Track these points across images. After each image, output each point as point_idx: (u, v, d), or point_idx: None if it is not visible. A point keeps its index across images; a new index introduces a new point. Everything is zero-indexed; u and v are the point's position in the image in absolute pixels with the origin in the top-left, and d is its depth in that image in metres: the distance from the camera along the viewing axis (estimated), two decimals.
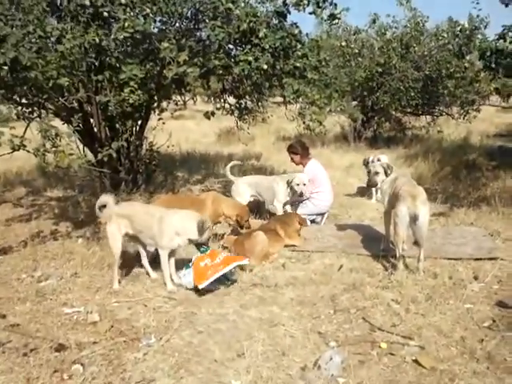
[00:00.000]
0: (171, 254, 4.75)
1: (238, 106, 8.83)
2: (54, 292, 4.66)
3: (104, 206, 4.84)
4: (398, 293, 4.54)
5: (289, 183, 6.59)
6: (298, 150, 7.12)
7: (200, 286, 4.48)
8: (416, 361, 3.44)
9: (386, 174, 5.39)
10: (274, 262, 5.41)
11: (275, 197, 6.75)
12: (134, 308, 4.36)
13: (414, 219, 4.76)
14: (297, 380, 3.28)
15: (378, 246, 5.67)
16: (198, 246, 4.78)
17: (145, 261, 5.05)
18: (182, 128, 17.13)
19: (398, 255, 4.98)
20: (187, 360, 3.53)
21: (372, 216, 7.34)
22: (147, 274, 5.05)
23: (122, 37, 5.33)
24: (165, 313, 4.25)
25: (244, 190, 6.98)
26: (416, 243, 4.96)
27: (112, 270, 4.86)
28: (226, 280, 4.73)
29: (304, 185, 6.54)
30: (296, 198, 6.79)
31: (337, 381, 3.25)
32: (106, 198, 4.84)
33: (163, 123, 7.87)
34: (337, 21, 6.59)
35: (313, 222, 6.99)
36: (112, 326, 4.01)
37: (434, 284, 4.71)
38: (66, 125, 6.80)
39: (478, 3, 11.20)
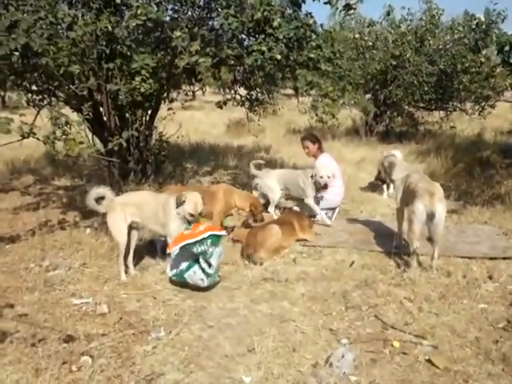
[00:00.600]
0: None
1: (248, 97, 8.75)
2: (63, 282, 4.63)
3: (102, 198, 4.79)
4: (410, 291, 4.47)
5: (313, 177, 6.35)
6: (315, 139, 7.07)
7: (168, 251, 4.42)
8: (429, 360, 3.38)
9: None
10: (285, 256, 5.34)
11: (304, 193, 6.57)
12: (143, 300, 4.32)
13: (430, 217, 4.67)
14: (308, 377, 3.23)
15: (390, 242, 5.59)
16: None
17: (131, 256, 4.96)
18: (191, 119, 17.06)
19: (411, 252, 4.90)
20: (197, 354, 3.49)
21: (383, 212, 7.25)
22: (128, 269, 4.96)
23: (134, 24, 5.24)
24: (174, 306, 4.21)
25: (275, 184, 6.84)
26: (430, 241, 4.88)
27: (118, 261, 4.81)
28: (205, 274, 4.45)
29: (329, 177, 6.28)
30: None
31: (349, 379, 3.20)
32: (103, 190, 4.79)
33: (173, 113, 7.80)
34: (352, 11, 6.47)
35: None
36: (121, 318, 3.98)
37: (448, 283, 4.64)
38: (75, 113, 6.77)
39: None
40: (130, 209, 4.74)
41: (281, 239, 5.31)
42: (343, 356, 3.36)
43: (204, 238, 4.32)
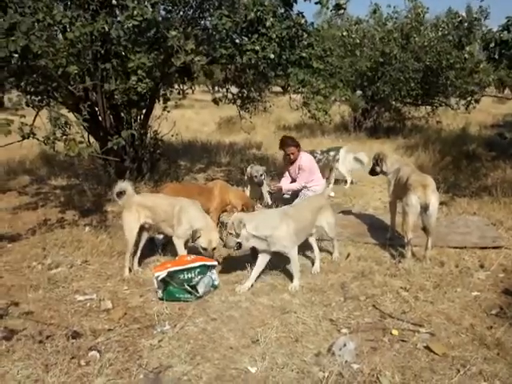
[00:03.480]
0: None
1: (240, 95, 8.84)
2: (66, 279, 4.70)
3: (122, 193, 4.87)
4: (406, 281, 4.62)
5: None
6: (297, 143, 6.88)
7: (155, 274, 4.32)
8: (427, 347, 3.50)
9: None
10: None
11: None
12: (146, 295, 4.41)
13: (424, 208, 4.82)
14: (312, 366, 3.33)
15: (384, 234, 5.75)
16: None
17: (138, 254, 5.05)
18: (181, 117, 17.05)
19: (406, 243, 5.03)
20: (202, 347, 3.58)
21: (375, 205, 7.41)
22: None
23: (130, 25, 5.31)
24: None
25: None
26: (425, 231, 5.01)
27: (124, 258, 4.90)
28: (211, 286, 4.46)
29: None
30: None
31: (351, 367, 3.31)
32: (125, 185, 4.88)
33: (168, 112, 7.87)
34: (342, 10, 6.58)
35: None
36: (125, 313, 4.06)
37: (441, 272, 4.79)
38: (70, 113, 6.80)
39: None
40: (144, 210, 4.84)
41: None
42: (345, 345, 3.46)
43: (193, 267, 4.33)
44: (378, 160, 5.82)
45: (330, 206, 5.35)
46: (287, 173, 6.98)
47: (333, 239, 5.23)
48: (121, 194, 4.89)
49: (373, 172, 5.95)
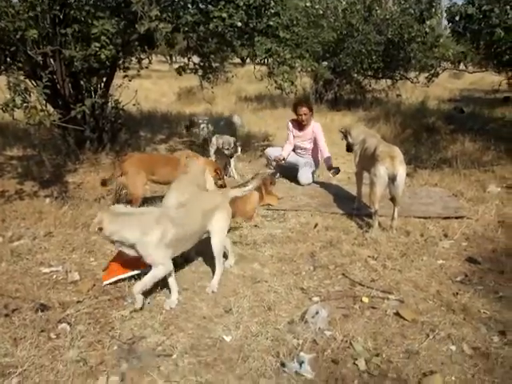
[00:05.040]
0: None
1: (202, 64, 8.66)
2: (30, 252, 4.55)
3: None
4: (373, 250, 4.70)
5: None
6: (312, 108, 7.07)
7: (104, 282, 3.98)
8: (397, 314, 3.59)
9: None
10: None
11: None
12: None
13: (392, 179, 4.88)
14: (285, 334, 3.36)
15: (350, 204, 5.83)
16: None
17: None
18: (139, 87, 16.61)
19: (373, 214, 5.10)
20: (175, 317, 3.57)
21: (339, 177, 7.43)
22: None
23: None
24: None
25: None
26: (392, 202, 5.08)
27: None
28: None
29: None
30: None
31: (324, 334, 3.36)
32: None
33: (130, 80, 7.64)
34: None
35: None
36: (94, 285, 3.97)
37: (407, 241, 4.89)
38: (27, 80, 6.51)
39: None
40: None
41: (257, 205, 5.45)
42: (317, 312, 3.51)
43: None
44: (344, 134, 5.86)
45: (227, 208, 4.14)
46: (290, 139, 7.13)
47: (215, 258, 4.03)
48: None
49: (348, 148, 5.96)
